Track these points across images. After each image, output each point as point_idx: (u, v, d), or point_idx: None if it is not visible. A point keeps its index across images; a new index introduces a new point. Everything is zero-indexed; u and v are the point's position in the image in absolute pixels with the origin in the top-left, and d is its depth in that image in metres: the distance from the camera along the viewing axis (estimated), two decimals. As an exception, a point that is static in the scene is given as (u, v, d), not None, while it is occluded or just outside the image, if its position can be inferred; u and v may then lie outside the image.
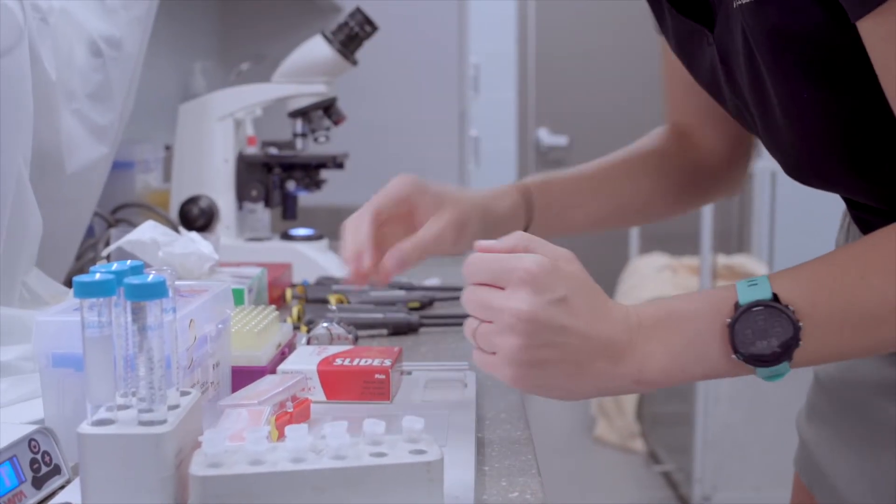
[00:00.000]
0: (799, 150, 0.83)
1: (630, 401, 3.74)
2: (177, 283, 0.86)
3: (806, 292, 0.72)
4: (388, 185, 0.96)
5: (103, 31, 1.25)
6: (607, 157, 1.09)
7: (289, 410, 0.85)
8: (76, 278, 0.67)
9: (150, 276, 0.67)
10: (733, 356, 0.72)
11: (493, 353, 0.74)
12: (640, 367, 0.74)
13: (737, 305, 0.72)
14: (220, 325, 0.89)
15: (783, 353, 0.72)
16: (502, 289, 0.73)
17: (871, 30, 0.69)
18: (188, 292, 0.87)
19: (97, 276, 0.67)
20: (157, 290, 0.66)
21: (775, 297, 0.72)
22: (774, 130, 0.84)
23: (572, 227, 1.07)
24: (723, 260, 4.05)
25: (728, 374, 0.75)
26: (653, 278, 3.95)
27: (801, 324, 0.71)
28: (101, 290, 0.67)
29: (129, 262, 0.74)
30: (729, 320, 0.72)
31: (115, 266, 0.71)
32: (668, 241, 4.46)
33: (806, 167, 0.85)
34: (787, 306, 0.71)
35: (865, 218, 0.91)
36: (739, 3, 0.75)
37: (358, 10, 1.70)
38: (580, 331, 0.73)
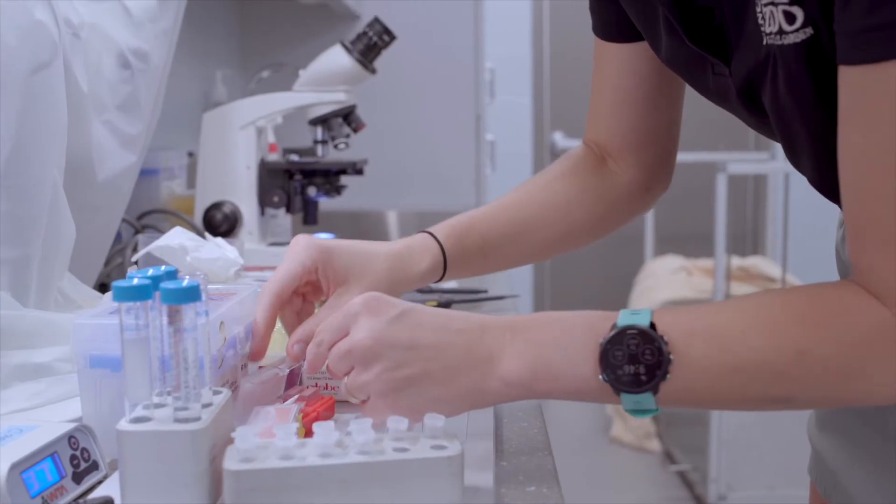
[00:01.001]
0: (825, 171, 0.84)
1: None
2: (208, 286, 0.90)
3: (684, 330, 0.71)
4: (292, 254, 0.93)
5: (132, 44, 1.30)
6: (522, 192, 1.07)
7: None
8: (115, 283, 0.71)
9: (185, 281, 0.71)
10: (600, 376, 0.72)
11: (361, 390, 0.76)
12: (508, 366, 0.74)
13: (613, 327, 0.73)
14: (248, 327, 0.93)
15: (648, 381, 0.71)
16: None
17: (856, 79, 0.68)
18: (217, 296, 0.91)
19: (135, 281, 0.71)
20: (192, 295, 0.70)
21: (652, 326, 0.71)
22: (800, 151, 0.85)
23: (486, 270, 1.06)
24: (737, 262, 4.06)
25: (594, 396, 0.74)
26: (668, 280, 3.97)
27: (671, 356, 0.70)
28: (138, 294, 0.71)
29: (163, 267, 0.78)
30: (602, 340, 0.72)
31: (150, 271, 0.75)
32: (683, 243, 4.48)
33: (829, 184, 0.85)
34: (661, 336, 0.71)
35: None
36: (776, 42, 0.75)
37: (376, 20, 1.74)
38: (431, 340, 0.74)
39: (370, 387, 0.75)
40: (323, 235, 1.75)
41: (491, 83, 3.39)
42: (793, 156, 0.88)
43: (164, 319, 0.71)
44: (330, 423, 0.71)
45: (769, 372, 0.70)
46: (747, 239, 4.81)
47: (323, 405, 0.89)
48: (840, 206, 0.91)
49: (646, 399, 0.71)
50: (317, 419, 0.86)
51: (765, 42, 0.77)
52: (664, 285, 3.91)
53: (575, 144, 4.13)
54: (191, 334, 0.70)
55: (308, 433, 0.75)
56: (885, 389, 0.69)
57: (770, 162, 3.99)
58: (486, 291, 1.60)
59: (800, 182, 0.87)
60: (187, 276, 0.73)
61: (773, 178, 4.44)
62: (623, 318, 0.73)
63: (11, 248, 1.00)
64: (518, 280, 2.00)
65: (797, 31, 0.72)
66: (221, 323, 0.84)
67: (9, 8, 0.96)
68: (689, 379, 0.71)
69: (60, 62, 1.02)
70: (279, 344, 1.00)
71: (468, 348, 0.74)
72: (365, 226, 2.66)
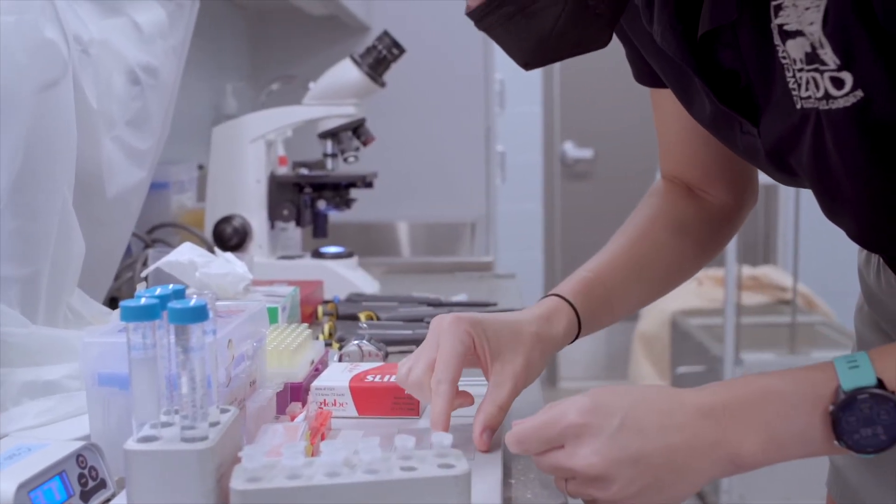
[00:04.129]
0: (872, 229, 0.86)
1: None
2: (216, 303, 0.90)
3: None
4: (446, 335, 0.88)
5: (141, 61, 1.30)
6: (629, 235, 1.05)
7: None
8: (123, 303, 0.71)
9: (193, 301, 0.71)
10: (835, 442, 0.72)
11: (594, 500, 0.76)
12: (737, 450, 0.74)
13: (838, 390, 0.72)
14: (256, 344, 0.93)
15: (889, 441, 0.71)
16: (563, 446, 0.76)
17: None
18: (226, 313, 0.91)
19: (142, 300, 0.71)
20: (199, 314, 0.70)
21: (880, 383, 0.71)
22: (842, 208, 0.85)
23: (615, 320, 1.04)
24: (748, 271, 4.05)
25: (829, 454, 0.75)
26: (679, 290, 3.93)
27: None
28: (146, 314, 0.71)
29: (171, 285, 0.78)
30: (832, 407, 0.72)
31: (158, 290, 0.76)
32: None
33: (874, 239, 0.88)
34: (894, 392, 0.70)
35: None
36: (822, 107, 0.75)
37: (385, 34, 1.74)
38: (657, 447, 0.74)
39: (605, 499, 0.75)
40: (333, 249, 1.76)
41: (501, 94, 3.39)
42: (832, 213, 0.88)
43: (172, 338, 0.71)
44: (338, 442, 0.71)
45: None
46: (758, 248, 4.80)
47: (321, 422, 0.90)
48: (885, 257, 0.91)
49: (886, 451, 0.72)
50: (322, 438, 0.86)
51: (799, 106, 0.77)
52: (675, 295, 3.88)
53: (586, 154, 4.12)
54: (198, 353, 0.70)
55: (316, 452, 0.75)
56: None
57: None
58: (495, 304, 1.60)
59: (810, 191, 0.87)
60: (195, 296, 0.74)
61: (784, 187, 4.43)
62: (846, 379, 0.72)
63: (21, 266, 1.00)
64: (527, 291, 2.00)
65: (846, 95, 0.73)
66: (230, 341, 0.84)
67: (18, 26, 0.96)
68: None
69: (70, 80, 1.03)
70: (276, 360, 1.00)
71: (692, 445, 0.74)
72: (374, 238, 2.66)
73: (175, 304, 0.70)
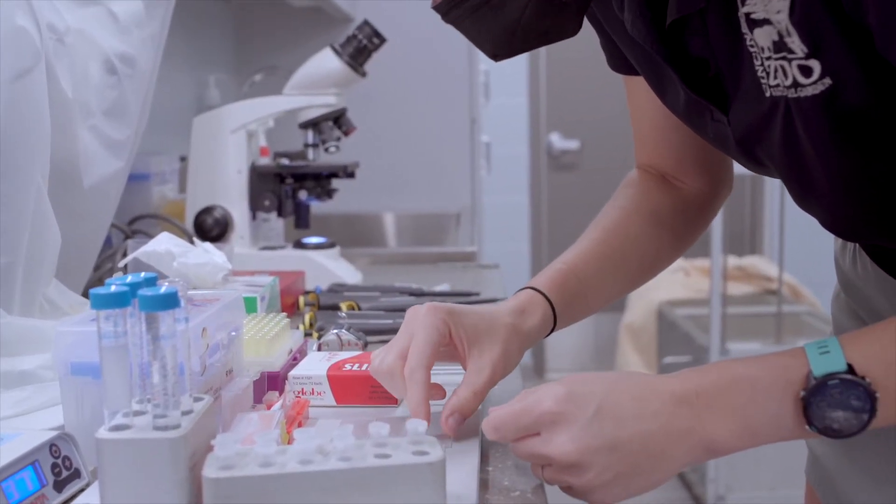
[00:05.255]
0: (844, 216, 0.86)
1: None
2: (191, 292, 0.89)
3: (882, 363, 0.72)
4: (422, 323, 0.88)
5: (118, 49, 1.29)
6: (604, 227, 1.05)
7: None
8: (92, 290, 0.70)
9: (163, 288, 0.70)
10: (807, 427, 0.73)
11: (570, 487, 0.77)
12: (711, 436, 0.75)
13: (809, 376, 0.72)
14: (232, 333, 0.92)
15: (859, 425, 0.72)
16: (539, 433, 0.76)
17: None
18: (201, 301, 0.90)
19: (112, 288, 0.70)
20: (169, 301, 0.69)
21: (850, 368, 0.71)
22: (813, 196, 0.85)
23: (590, 312, 1.04)
24: (734, 261, 4.06)
25: (802, 438, 0.76)
26: (666, 280, 3.96)
27: (877, 394, 0.71)
28: (116, 301, 0.70)
29: (143, 273, 0.77)
30: (803, 393, 0.72)
31: (129, 278, 0.75)
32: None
33: (847, 227, 0.88)
34: (863, 378, 0.71)
35: (881, 251, 0.94)
36: (790, 95, 0.75)
37: (366, 23, 1.73)
38: (633, 434, 0.74)
39: (581, 485, 0.76)
40: (315, 239, 1.76)
41: (486, 85, 3.39)
42: (804, 202, 0.88)
43: (143, 327, 0.70)
44: (311, 430, 0.70)
45: None
46: (744, 238, 4.81)
47: (298, 410, 0.89)
48: (859, 243, 0.92)
49: (857, 435, 0.73)
50: (299, 426, 0.86)
51: (768, 94, 0.77)
52: (662, 285, 3.90)
53: (572, 145, 4.12)
54: (169, 341, 0.70)
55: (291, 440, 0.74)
56: None
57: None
58: (478, 294, 1.60)
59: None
60: (166, 283, 0.73)
61: (769, 177, 4.43)
62: (817, 365, 0.72)
63: (-5, 256, 0.99)
64: (513, 282, 2.00)
65: (815, 83, 0.73)
66: (204, 329, 0.84)
67: (-11, 14, 0.95)
68: (894, 407, 0.72)
69: (42, 68, 1.02)
70: (254, 349, 0.99)
71: (668, 431, 0.75)
72: (360, 229, 2.66)
73: (145, 292, 0.69)
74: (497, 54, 0.90)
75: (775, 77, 0.75)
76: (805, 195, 0.86)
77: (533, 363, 4.97)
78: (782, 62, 0.74)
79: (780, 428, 0.74)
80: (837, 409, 0.71)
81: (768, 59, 0.75)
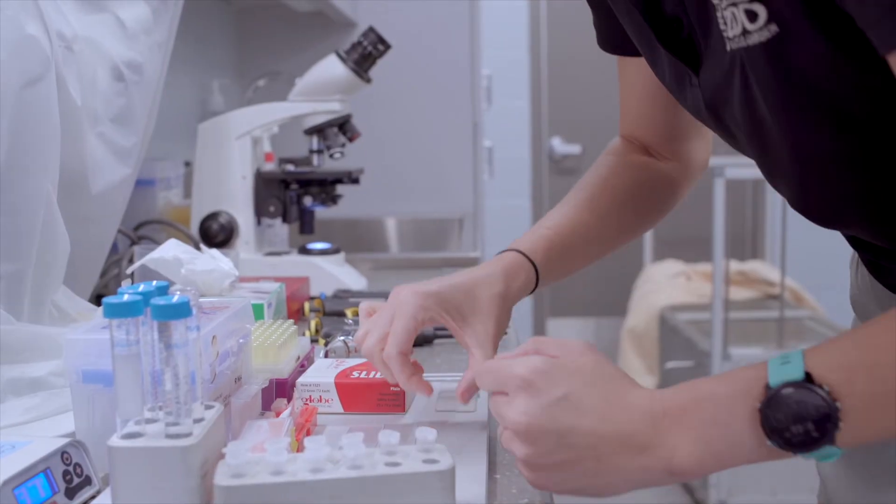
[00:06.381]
0: (807, 192, 0.83)
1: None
2: (200, 300, 0.90)
3: (842, 370, 0.66)
4: (402, 309, 0.92)
5: (125, 57, 1.30)
6: (588, 193, 1.09)
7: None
8: (105, 299, 0.71)
9: (175, 297, 0.71)
10: (768, 442, 0.67)
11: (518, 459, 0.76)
12: (671, 457, 0.71)
13: (767, 387, 0.68)
14: (241, 341, 0.93)
15: (822, 437, 0.66)
16: (507, 393, 0.75)
17: None
18: (211, 309, 0.91)
19: (125, 297, 0.71)
20: (181, 311, 0.70)
21: (808, 377, 0.66)
22: (779, 174, 0.84)
23: (569, 275, 1.08)
24: (736, 266, 4.06)
25: (769, 458, 0.70)
26: (667, 285, 3.97)
27: (838, 404, 0.65)
28: (129, 310, 0.71)
29: (154, 282, 0.78)
30: (759, 404, 0.67)
31: (141, 287, 0.75)
32: (681, 247, 4.48)
33: (812, 206, 0.85)
34: (820, 386, 0.66)
35: (874, 261, 0.92)
36: (741, 45, 0.74)
37: (371, 30, 1.74)
38: (589, 428, 0.71)
39: (520, 458, 0.74)
40: (319, 245, 1.76)
41: (488, 89, 3.40)
42: (770, 176, 0.87)
43: (155, 335, 0.71)
44: (321, 438, 0.71)
45: None
46: (746, 243, 4.81)
47: (307, 418, 0.90)
48: (826, 227, 0.88)
49: (825, 450, 0.67)
50: (308, 434, 0.86)
51: (728, 48, 0.76)
52: (663, 290, 3.91)
53: (574, 149, 4.12)
54: (181, 350, 0.70)
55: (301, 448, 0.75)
56: None
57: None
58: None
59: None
60: (178, 292, 0.73)
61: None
62: (775, 375, 0.68)
63: (5, 263, 1.00)
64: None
65: (760, 29, 0.71)
66: (214, 337, 0.84)
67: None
68: (865, 420, 0.66)
69: (52, 76, 1.02)
70: (262, 356, 1.00)
71: (623, 442, 0.71)
72: (363, 233, 2.66)
73: (158, 301, 0.70)
74: None
75: (732, 28, 0.74)
76: (771, 168, 0.85)
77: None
78: (733, 8, 0.73)
79: (742, 446, 0.69)
80: (797, 422, 0.66)
81: (725, 8, 0.74)
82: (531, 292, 1.02)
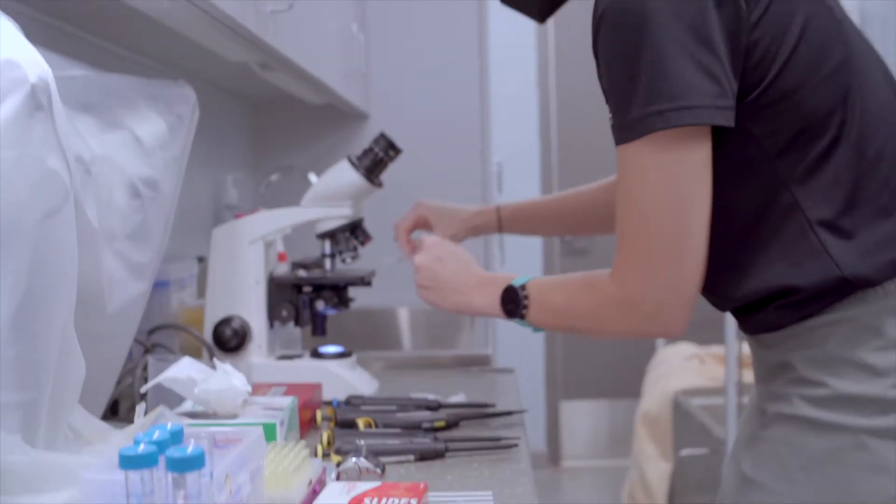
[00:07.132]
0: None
1: (661, 493, 3.72)
2: (212, 430, 0.90)
3: (542, 290, 1.27)
4: (413, 211, 1.81)
5: (142, 174, 1.32)
6: (574, 194, 1.74)
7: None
8: (121, 450, 0.72)
9: (190, 448, 0.71)
10: (500, 308, 1.31)
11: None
12: (471, 298, 1.38)
13: (510, 287, 1.29)
14: (253, 472, 0.93)
15: (515, 312, 1.28)
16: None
17: (627, 156, 1.10)
18: (224, 442, 0.91)
19: (140, 447, 0.72)
20: (196, 463, 0.71)
21: (523, 287, 1.28)
22: None
23: (533, 234, 2.00)
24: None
25: (501, 316, 1.32)
26: (681, 368, 3.95)
27: (526, 302, 1.27)
28: (144, 462, 0.72)
29: (169, 424, 0.79)
30: (500, 291, 1.31)
31: (156, 434, 0.76)
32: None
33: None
34: (522, 288, 1.28)
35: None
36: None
37: (382, 136, 1.77)
38: (445, 274, 1.41)
39: (418, 285, 1.45)
40: (332, 349, 1.77)
41: (499, 175, 3.43)
42: None
43: (170, 484, 0.72)
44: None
45: (573, 314, 1.23)
46: (759, 324, 4.79)
47: None
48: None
49: (521, 322, 1.30)
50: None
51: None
52: (677, 374, 3.89)
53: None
54: (196, 500, 0.71)
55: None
56: (611, 328, 1.21)
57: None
58: (494, 405, 1.61)
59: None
60: (192, 440, 0.74)
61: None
62: (514, 282, 1.29)
63: (22, 392, 1.00)
64: (532, 366, 1.99)
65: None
66: (227, 476, 0.85)
67: (20, 160, 0.97)
68: (537, 313, 1.27)
69: (71, 205, 1.04)
70: (273, 484, 1.00)
71: (457, 286, 1.40)
72: (374, 325, 2.67)
73: (173, 453, 0.71)
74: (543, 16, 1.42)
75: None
76: None
77: (548, 452, 4.94)
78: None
79: (494, 307, 1.32)
80: (510, 303, 1.29)
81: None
82: (496, 229, 1.79)
